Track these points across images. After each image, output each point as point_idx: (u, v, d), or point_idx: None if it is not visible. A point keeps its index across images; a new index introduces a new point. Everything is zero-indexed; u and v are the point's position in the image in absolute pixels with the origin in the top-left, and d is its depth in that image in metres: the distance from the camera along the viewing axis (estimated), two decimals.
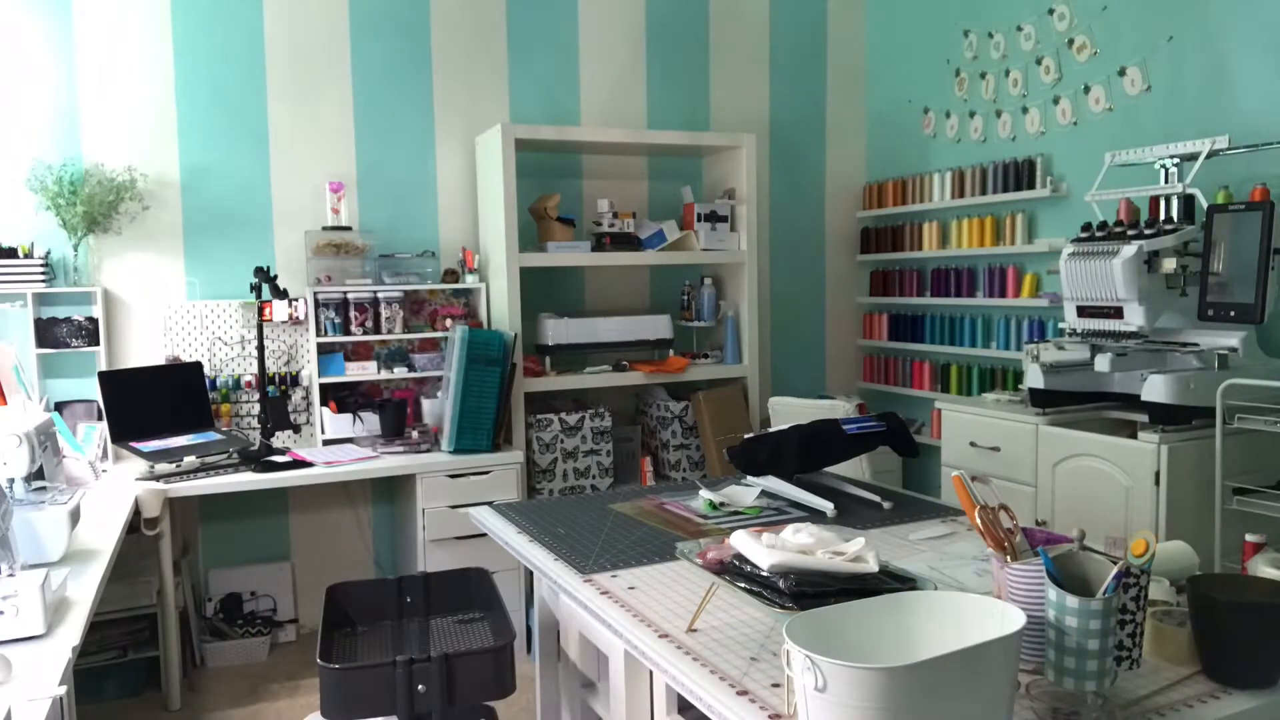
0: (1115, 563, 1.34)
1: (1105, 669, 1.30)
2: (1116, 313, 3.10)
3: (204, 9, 3.76)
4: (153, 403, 3.50)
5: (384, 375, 3.94)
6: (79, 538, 2.40)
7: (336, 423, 3.84)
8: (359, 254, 3.90)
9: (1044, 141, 3.97)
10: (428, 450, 3.70)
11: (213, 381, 3.77)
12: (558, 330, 4.00)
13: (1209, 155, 3.05)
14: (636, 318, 4.19)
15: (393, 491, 4.05)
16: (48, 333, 3.52)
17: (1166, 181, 3.21)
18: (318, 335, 3.82)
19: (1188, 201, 3.16)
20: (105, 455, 3.44)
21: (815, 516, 2.35)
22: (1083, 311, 3.23)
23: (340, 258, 3.88)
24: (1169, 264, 3.00)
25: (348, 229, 3.92)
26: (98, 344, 3.56)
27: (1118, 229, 3.15)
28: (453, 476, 3.58)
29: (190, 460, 3.39)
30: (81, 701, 3.13)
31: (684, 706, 1.72)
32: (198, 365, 3.68)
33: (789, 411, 3.75)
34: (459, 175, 4.16)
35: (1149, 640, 1.48)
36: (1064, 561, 1.37)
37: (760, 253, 4.57)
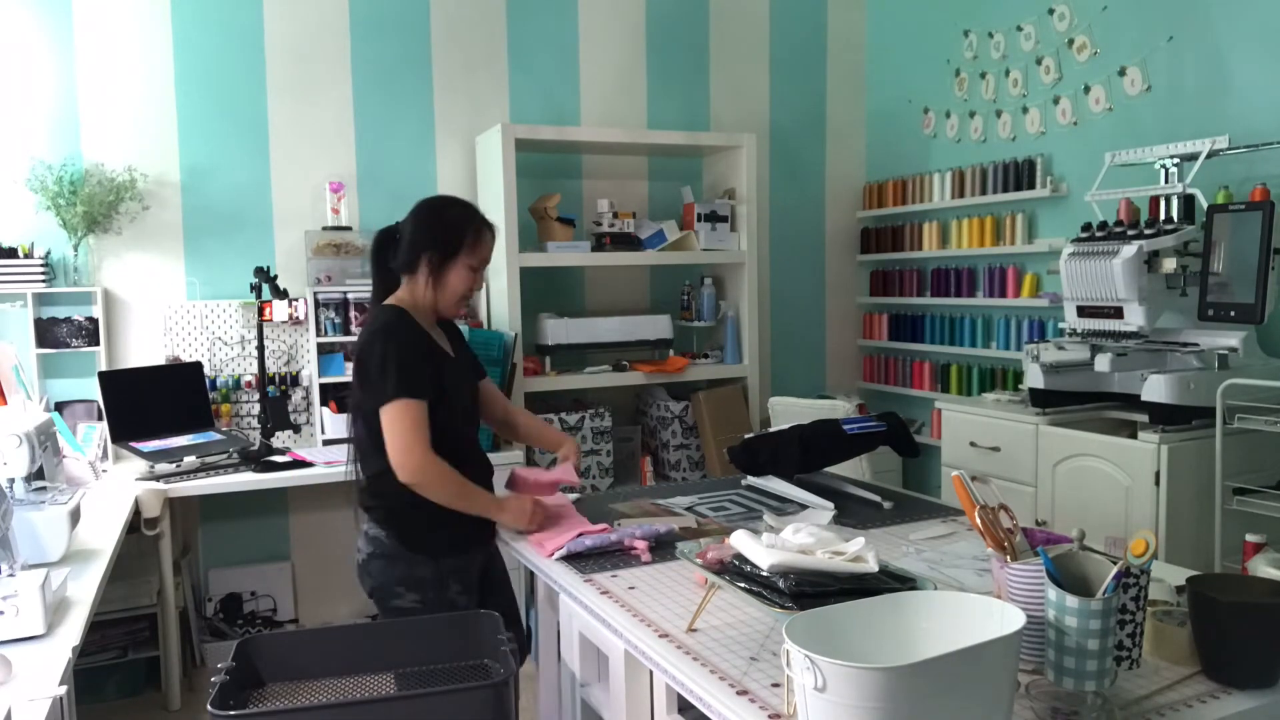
0: (1115, 563, 1.34)
1: (1105, 669, 1.30)
2: (1116, 313, 3.10)
3: (204, 9, 3.76)
4: (153, 403, 3.50)
5: None
6: (79, 538, 2.40)
7: (336, 423, 3.82)
8: (359, 254, 3.89)
9: (1044, 141, 3.96)
10: None
11: (213, 381, 3.77)
12: (558, 330, 3.99)
13: (1209, 155, 3.05)
14: (636, 318, 4.19)
15: None
16: (48, 333, 3.52)
17: (1166, 181, 3.21)
18: (318, 335, 3.81)
19: (1188, 201, 3.16)
20: (105, 455, 3.43)
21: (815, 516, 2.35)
22: (1083, 311, 3.23)
23: (340, 258, 3.88)
24: (1169, 264, 3.00)
25: (348, 229, 3.92)
26: (98, 344, 3.56)
27: (1118, 229, 3.15)
28: None
29: (190, 460, 3.39)
30: (81, 701, 3.13)
31: (684, 706, 1.72)
32: (198, 365, 3.68)
33: (789, 411, 3.75)
34: (459, 175, 4.16)
35: (1149, 640, 1.48)
36: (1064, 561, 1.37)
37: (760, 253, 4.57)
